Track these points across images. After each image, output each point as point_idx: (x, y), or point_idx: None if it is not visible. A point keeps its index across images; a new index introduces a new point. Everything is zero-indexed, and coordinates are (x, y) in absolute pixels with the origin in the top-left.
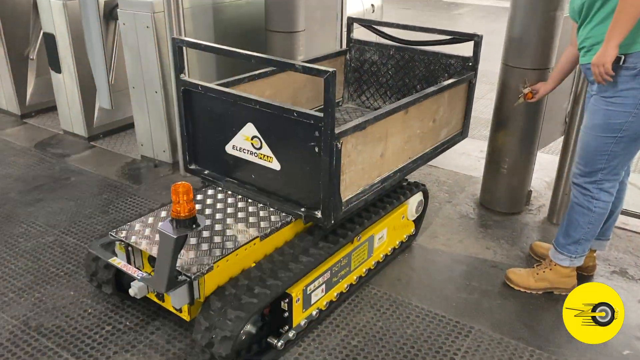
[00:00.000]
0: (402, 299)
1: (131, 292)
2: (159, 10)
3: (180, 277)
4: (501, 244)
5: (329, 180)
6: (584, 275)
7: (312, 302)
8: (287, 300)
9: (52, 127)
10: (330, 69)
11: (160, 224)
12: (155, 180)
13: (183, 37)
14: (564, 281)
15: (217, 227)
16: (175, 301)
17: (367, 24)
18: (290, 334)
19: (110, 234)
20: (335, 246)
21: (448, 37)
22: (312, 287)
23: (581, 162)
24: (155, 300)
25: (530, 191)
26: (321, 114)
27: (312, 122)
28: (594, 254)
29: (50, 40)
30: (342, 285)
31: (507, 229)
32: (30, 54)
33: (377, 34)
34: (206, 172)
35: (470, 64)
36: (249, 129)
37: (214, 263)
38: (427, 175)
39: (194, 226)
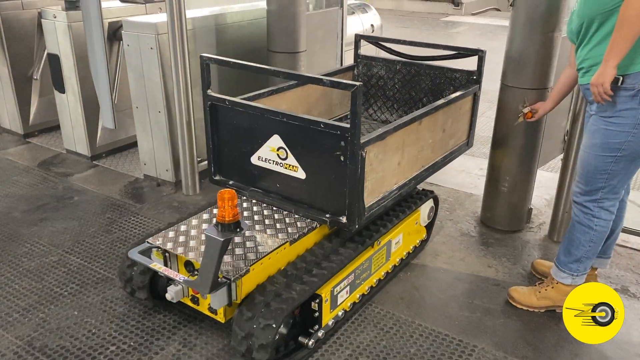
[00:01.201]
0: (406, 318)
1: (168, 296)
2: (163, 32)
3: (220, 279)
4: (503, 262)
5: (354, 187)
6: None
7: (339, 303)
8: (318, 300)
9: (55, 147)
10: (358, 83)
11: (206, 228)
12: (158, 199)
13: (211, 55)
14: None
15: (248, 233)
16: (215, 302)
17: (374, 41)
18: (320, 333)
19: (147, 241)
20: (360, 249)
21: (453, 52)
22: (338, 288)
23: (581, 181)
24: (190, 304)
25: (531, 209)
26: (347, 125)
27: (338, 132)
28: (596, 272)
29: (54, 61)
30: (364, 288)
31: (508, 247)
32: (34, 74)
33: (383, 50)
34: (231, 182)
35: (474, 77)
36: (275, 141)
37: (250, 266)
38: None
39: (238, 230)
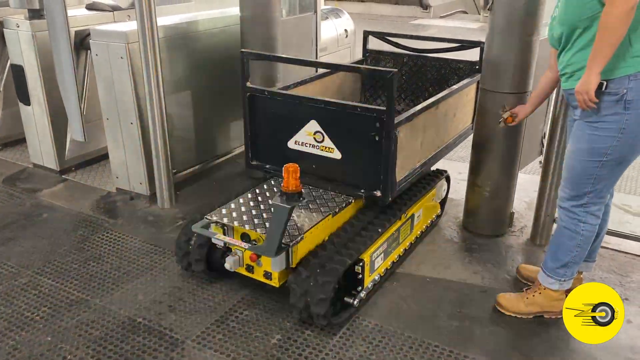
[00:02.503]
0: (394, 330)
1: (227, 265)
2: (134, 41)
3: None
4: (488, 268)
5: (388, 163)
6: None
7: (375, 268)
8: (361, 264)
9: (21, 161)
10: (394, 70)
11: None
12: (132, 213)
13: (250, 50)
14: (554, 304)
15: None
16: (276, 266)
17: (381, 36)
18: (362, 294)
19: (206, 217)
20: (392, 219)
21: (456, 45)
22: (376, 254)
23: (567, 186)
24: (245, 273)
25: (513, 213)
26: (384, 108)
27: (374, 115)
28: (581, 276)
29: (18, 72)
30: (394, 256)
31: (492, 252)
32: None
33: (392, 44)
34: (267, 166)
35: (477, 67)
36: (312, 125)
37: (303, 234)
38: None
39: (301, 198)
